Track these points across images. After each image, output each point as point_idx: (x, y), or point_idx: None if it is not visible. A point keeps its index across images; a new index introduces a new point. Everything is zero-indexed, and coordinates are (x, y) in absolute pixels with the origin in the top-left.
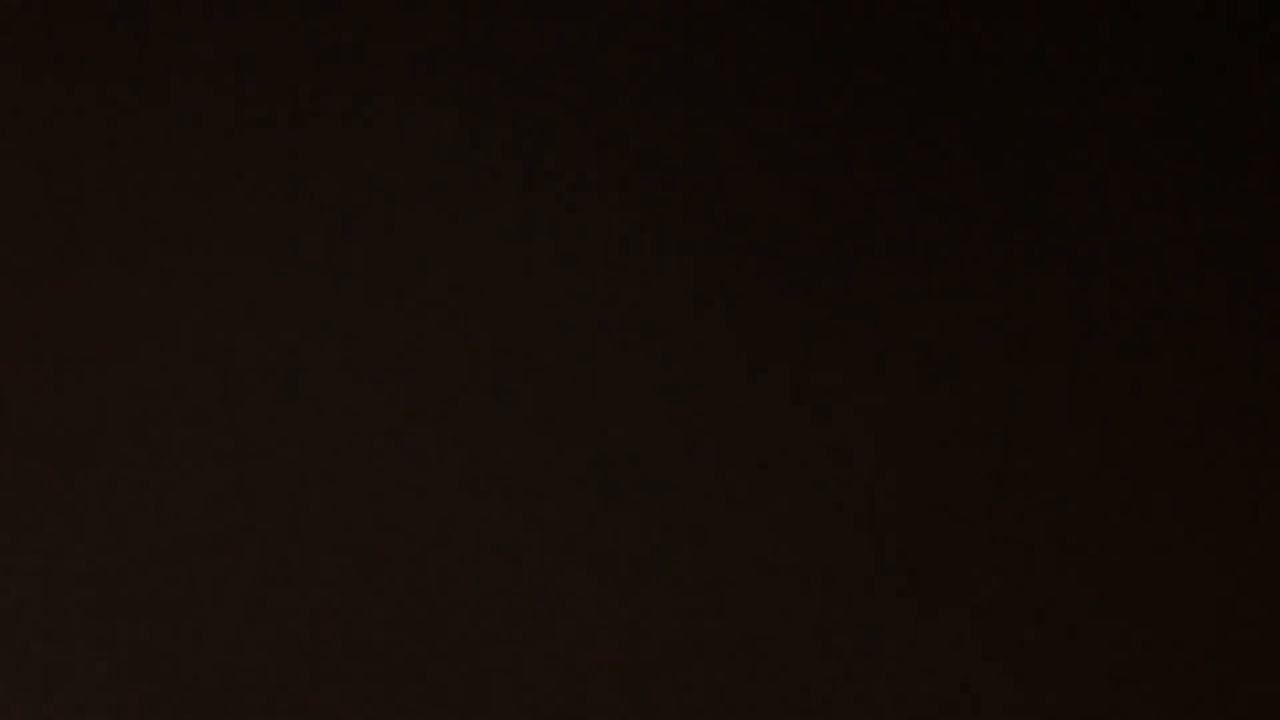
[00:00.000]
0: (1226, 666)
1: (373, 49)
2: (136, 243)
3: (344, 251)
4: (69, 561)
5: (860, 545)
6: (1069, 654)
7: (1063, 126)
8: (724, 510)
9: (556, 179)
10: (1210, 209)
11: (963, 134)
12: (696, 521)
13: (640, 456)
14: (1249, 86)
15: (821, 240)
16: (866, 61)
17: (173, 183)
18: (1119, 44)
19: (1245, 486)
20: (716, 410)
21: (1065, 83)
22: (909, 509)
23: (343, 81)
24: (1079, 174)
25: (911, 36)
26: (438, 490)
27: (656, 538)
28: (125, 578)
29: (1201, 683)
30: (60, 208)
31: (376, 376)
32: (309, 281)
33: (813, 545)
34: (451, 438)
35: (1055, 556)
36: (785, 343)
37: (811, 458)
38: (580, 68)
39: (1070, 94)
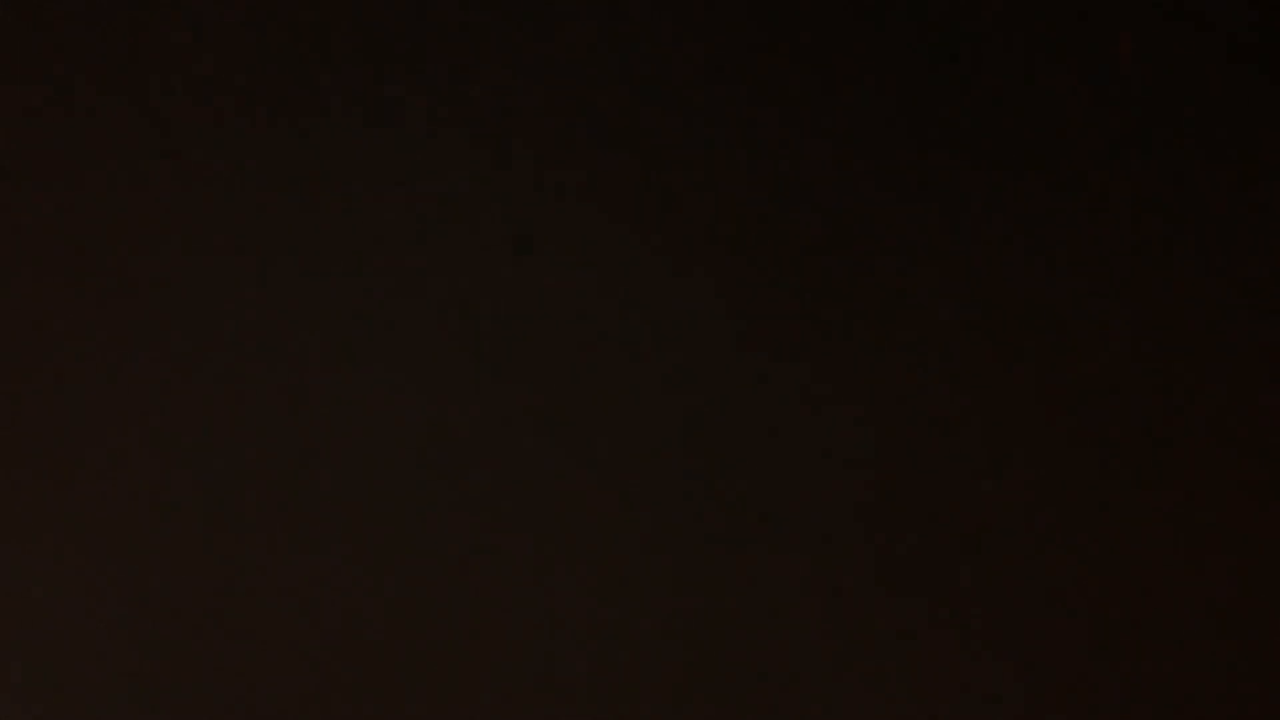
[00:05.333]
0: (1226, 666)
1: (372, 49)
2: (136, 243)
3: (343, 252)
4: (68, 562)
5: (858, 547)
6: (1068, 655)
7: (1060, 127)
8: (722, 512)
9: (552, 181)
10: (1208, 209)
11: (960, 134)
12: (694, 523)
13: (638, 457)
14: (1247, 87)
15: (821, 241)
16: (864, 62)
17: (171, 184)
18: (1117, 43)
19: (1246, 487)
20: (714, 411)
21: (1062, 83)
22: (906, 511)
23: (342, 82)
24: (1077, 174)
25: (910, 37)
26: (435, 491)
27: (654, 538)
28: (123, 577)
29: (1201, 683)
30: (60, 209)
31: (374, 378)
32: (307, 282)
33: (810, 546)
34: (449, 439)
35: (1055, 557)
36: (783, 344)
37: (810, 459)
38: (579, 69)
39: (1068, 94)
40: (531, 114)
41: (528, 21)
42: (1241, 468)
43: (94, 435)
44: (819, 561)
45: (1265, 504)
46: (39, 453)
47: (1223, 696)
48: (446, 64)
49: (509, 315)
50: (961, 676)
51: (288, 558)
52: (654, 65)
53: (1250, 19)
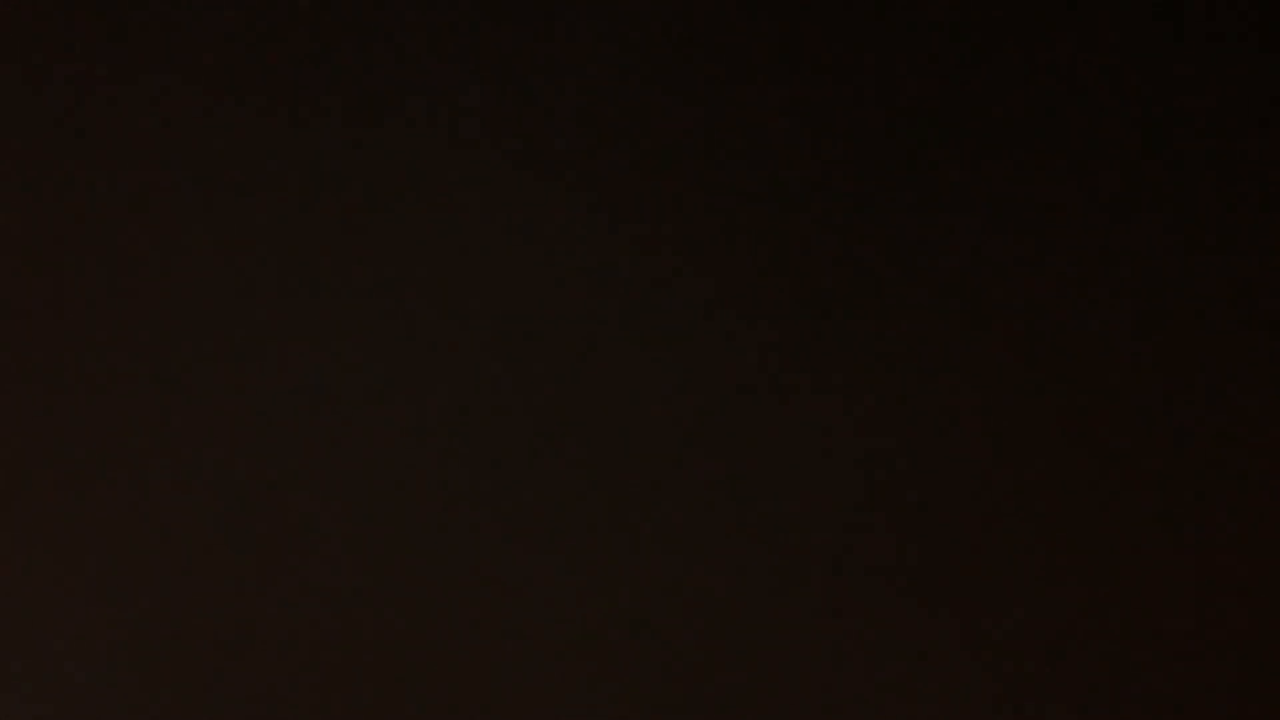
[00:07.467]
0: (1224, 667)
1: (372, 47)
2: (137, 243)
3: (343, 253)
4: (66, 563)
5: (856, 548)
6: (1065, 656)
7: (1057, 128)
8: (721, 513)
9: (552, 180)
10: (1205, 210)
11: (958, 135)
12: (693, 524)
13: (637, 458)
14: (1245, 88)
15: (823, 241)
16: (863, 62)
17: (172, 184)
18: (1114, 44)
19: (1244, 488)
20: (713, 412)
21: (1059, 84)
22: (904, 512)
23: (342, 81)
24: (1074, 175)
25: (908, 37)
26: (436, 493)
27: (654, 539)
28: (122, 578)
29: (1199, 684)
30: (61, 209)
31: (375, 378)
32: (307, 283)
33: (809, 548)
34: (450, 440)
35: (1053, 559)
36: (785, 344)
37: (808, 460)
38: (579, 69)
39: (1065, 95)
40: (531, 115)
41: (527, 21)
42: (1241, 468)
43: (96, 436)
44: (820, 563)
45: (1266, 504)
46: (40, 454)
47: (1223, 697)
48: (447, 63)
49: (507, 315)
50: (962, 677)
51: (288, 560)
52: (653, 66)
53: (1250, 19)
